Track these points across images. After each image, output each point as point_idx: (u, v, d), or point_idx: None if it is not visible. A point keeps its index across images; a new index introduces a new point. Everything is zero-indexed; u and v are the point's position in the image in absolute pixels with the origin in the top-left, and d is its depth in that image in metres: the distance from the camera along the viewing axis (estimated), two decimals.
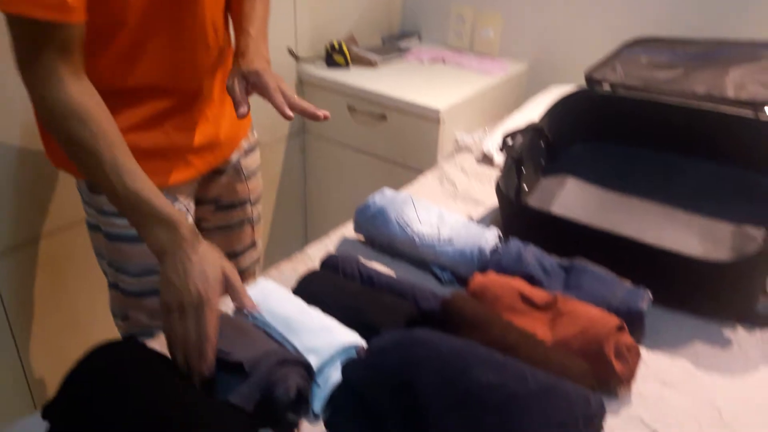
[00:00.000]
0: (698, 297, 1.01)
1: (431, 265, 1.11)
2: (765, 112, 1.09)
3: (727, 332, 0.99)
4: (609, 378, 0.85)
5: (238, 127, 1.19)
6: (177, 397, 0.74)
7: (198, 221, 1.22)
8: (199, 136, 1.08)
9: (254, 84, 0.97)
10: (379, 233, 1.15)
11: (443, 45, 2.14)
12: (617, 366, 0.84)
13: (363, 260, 1.13)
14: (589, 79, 1.31)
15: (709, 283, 0.98)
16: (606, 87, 1.28)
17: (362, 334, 0.85)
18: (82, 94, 0.82)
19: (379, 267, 1.12)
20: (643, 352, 0.93)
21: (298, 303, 0.90)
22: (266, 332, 0.86)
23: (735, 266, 0.94)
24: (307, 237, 2.25)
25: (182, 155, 1.07)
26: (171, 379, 0.77)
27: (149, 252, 0.84)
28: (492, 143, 1.52)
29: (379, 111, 1.79)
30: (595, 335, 0.85)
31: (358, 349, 0.82)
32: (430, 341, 0.75)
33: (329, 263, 1.03)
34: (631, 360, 0.86)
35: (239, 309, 0.87)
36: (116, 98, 0.92)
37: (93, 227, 1.09)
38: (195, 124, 1.07)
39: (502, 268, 1.02)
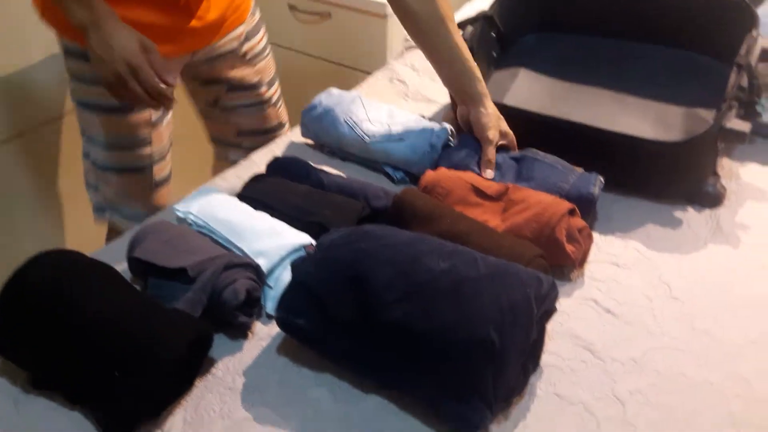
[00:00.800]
0: (649, 179, 1.01)
1: (383, 165, 1.08)
2: None
3: (678, 213, 0.99)
4: (561, 261, 0.85)
5: (231, 13, 1.15)
6: (123, 306, 0.71)
7: (216, 99, 1.23)
8: (178, 17, 1.05)
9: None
10: (328, 134, 1.11)
11: None
12: (569, 249, 0.84)
13: (311, 163, 1.10)
14: None
15: (660, 165, 0.98)
16: None
17: (312, 235, 0.83)
18: None
19: (329, 171, 1.08)
20: (596, 236, 0.94)
21: (244, 208, 0.86)
22: (212, 239, 0.83)
23: (684, 146, 0.94)
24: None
25: (162, 31, 1.03)
26: (116, 289, 0.73)
27: (113, 123, 0.98)
28: None
29: (323, 9, 1.69)
30: (547, 220, 0.85)
31: (306, 247, 0.79)
32: (380, 234, 0.73)
33: (275, 167, 0.99)
34: (584, 243, 0.86)
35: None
36: None
37: (72, 95, 1.09)
38: (181, 5, 1.05)
39: (454, 164, 0.99)
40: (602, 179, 0.94)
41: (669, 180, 1.00)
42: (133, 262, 0.81)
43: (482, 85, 1.00)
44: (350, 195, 0.92)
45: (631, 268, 0.89)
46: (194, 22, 1.07)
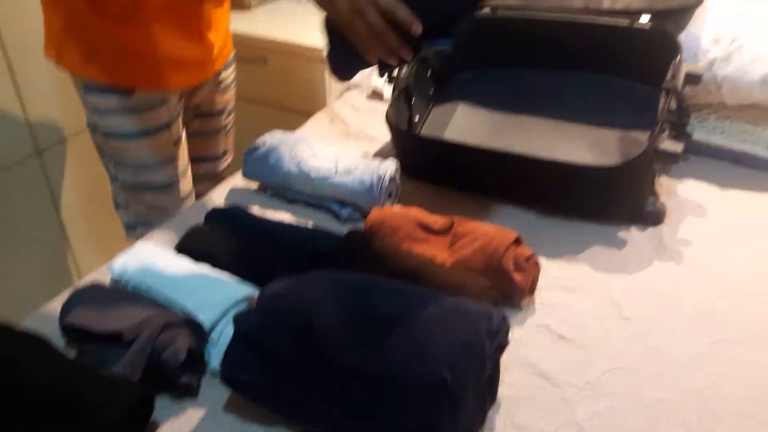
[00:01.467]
0: (592, 203, 1.02)
1: (329, 203, 1.06)
2: (640, 20, 1.10)
3: (622, 233, 1.01)
4: (511, 290, 0.85)
5: (225, 44, 1.23)
6: (59, 376, 0.66)
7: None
8: (201, 49, 1.14)
9: None
10: (272, 173, 1.09)
11: None
12: (517, 277, 0.84)
13: (256, 209, 1.07)
14: None
15: (601, 189, 1.00)
16: (486, 10, 1.26)
17: (257, 285, 0.80)
18: None
19: (274, 214, 1.06)
20: (544, 261, 0.94)
21: (183, 262, 0.83)
22: (150, 297, 0.79)
23: (622, 169, 0.96)
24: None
25: (184, 64, 1.11)
26: (52, 360, 0.69)
27: (141, 148, 1.05)
28: (380, 78, 1.47)
29: (259, 55, 1.69)
30: (493, 251, 0.84)
31: (249, 298, 0.77)
32: (328, 280, 0.71)
33: (214, 217, 0.96)
34: (531, 271, 0.86)
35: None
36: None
37: (92, 127, 1.13)
38: (201, 37, 1.13)
39: None
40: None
41: (611, 202, 1.01)
42: (67, 329, 0.77)
43: None
44: (295, 240, 0.90)
45: (581, 291, 0.89)
46: (213, 50, 1.15)
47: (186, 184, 1.20)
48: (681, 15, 1.12)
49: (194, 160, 1.31)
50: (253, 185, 1.14)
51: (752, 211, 1.06)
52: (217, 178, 1.36)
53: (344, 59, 0.95)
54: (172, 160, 1.14)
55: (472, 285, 0.79)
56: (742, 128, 1.16)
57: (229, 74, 1.29)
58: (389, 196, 1.06)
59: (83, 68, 1.06)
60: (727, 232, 1.01)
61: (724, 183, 1.13)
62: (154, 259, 0.83)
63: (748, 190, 1.11)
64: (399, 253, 0.85)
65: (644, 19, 1.11)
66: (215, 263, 0.83)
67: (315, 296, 0.70)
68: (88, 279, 0.91)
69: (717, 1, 1.19)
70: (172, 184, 1.16)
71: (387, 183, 1.04)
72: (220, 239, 0.89)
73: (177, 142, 1.16)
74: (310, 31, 1.70)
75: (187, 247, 0.88)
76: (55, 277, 1.65)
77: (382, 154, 1.24)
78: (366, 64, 0.93)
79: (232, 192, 1.14)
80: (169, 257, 0.84)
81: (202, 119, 1.28)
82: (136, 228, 1.20)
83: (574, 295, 0.88)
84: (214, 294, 0.78)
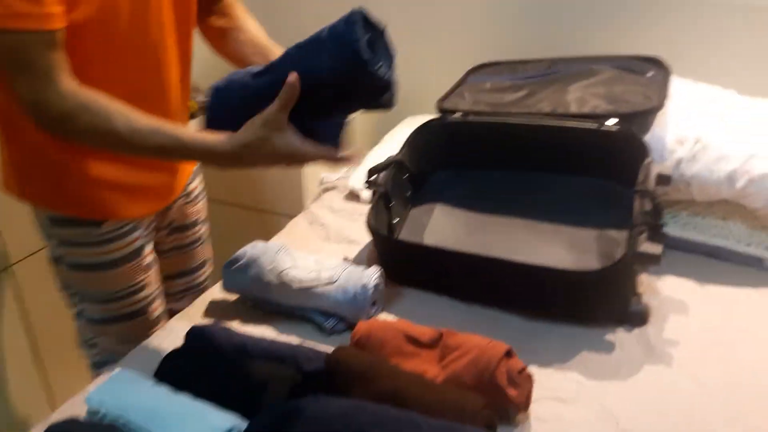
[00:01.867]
0: (577, 306, 1.02)
1: (313, 314, 1.04)
2: (606, 124, 1.15)
3: (609, 336, 1.00)
4: (505, 406, 0.83)
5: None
6: None
7: (155, 245, 1.21)
8: (170, 173, 1.12)
9: None
10: (253, 285, 1.07)
11: None
12: (511, 393, 0.82)
13: (237, 324, 1.05)
14: (441, 109, 1.33)
15: (584, 292, 1.00)
16: (458, 115, 1.30)
17: (242, 413, 0.76)
18: (77, 87, 0.85)
19: (256, 328, 1.03)
20: (536, 369, 0.92)
21: (162, 391, 0.79)
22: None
23: (603, 273, 0.96)
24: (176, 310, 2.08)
25: (153, 190, 1.09)
26: None
27: (112, 278, 1.03)
28: (357, 179, 1.49)
29: None
30: (486, 365, 0.83)
31: None
32: (315, 411, 0.68)
33: (194, 337, 0.92)
34: (525, 385, 0.84)
35: None
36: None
37: (56, 260, 1.09)
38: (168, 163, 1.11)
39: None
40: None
41: (595, 305, 1.02)
42: None
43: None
44: (279, 360, 0.87)
45: (575, 401, 0.87)
46: (174, 178, 1.13)
47: (155, 310, 1.15)
48: (644, 117, 1.17)
49: (174, 276, 1.27)
50: (233, 297, 1.12)
51: (731, 306, 1.08)
52: (199, 290, 1.31)
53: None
54: (144, 286, 1.10)
55: (467, 405, 0.77)
56: (714, 223, 1.19)
57: (197, 185, 1.26)
58: (374, 304, 1.05)
59: (49, 201, 1.02)
60: (711, 328, 1.02)
61: (702, 278, 1.14)
62: (132, 389, 0.79)
63: (725, 284, 1.13)
64: (389, 371, 0.83)
65: (611, 122, 1.16)
66: (196, 392, 0.79)
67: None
68: (63, 409, 0.86)
69: (677, 103, 1.25)
70: (143, 311, 1.11)
71: (371, 291, 1.02)
72: (201, 365, 0.85)
73: (148, 267, 1.12)
74: None
75: (166, 374, 0.84)
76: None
77: (363, 258, 1.23)
78: None
79: (212, 305, 1.11)
80: (147, 387, 0.80)
81: (176, 234, 1.24)
82: (105, 364, 1.12)
83: (569, 408, 0.86)
84: (195, 427, 0.74)
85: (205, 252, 1.34)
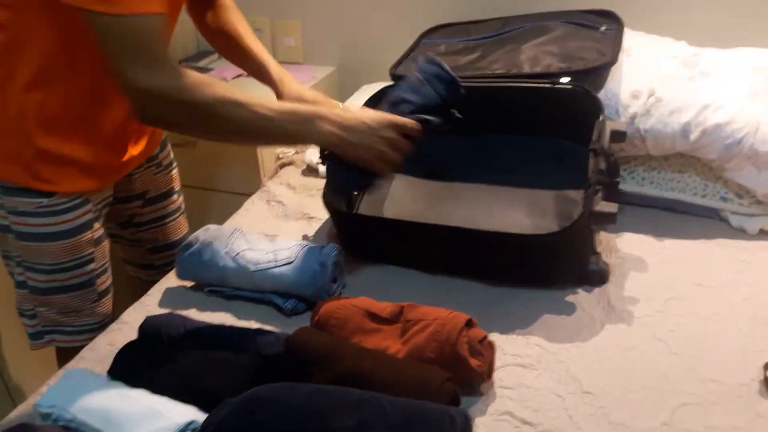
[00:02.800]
0: (536, 269, 1.02)
1: (271, 296, 1.02)
2: (560, 82, 1.13)
3: (570, 297, 1.01)
4: (469, 377, 0.82)
5: (151, 141, 1.20)
6: None
7: (131, 217, 1.23)
8: (120, 151, 1.11)
9: None
10: (208, 271, 1.04)
11: None
12: (474, 363, 0.81)
13: (194, 312, 1.02)
14: (394, 76, 1.29)
15: (543, 255, 1.00)
16: None
17: (201, 406, 0.74)
18: (184, 70, 0.88)
19: (214, 315, 1.01)
20: (498, 336, 0.92)
21: (117, 389, 0.77)
22: None
23: (560, 235, 0.96)
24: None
25: (105, 166, 1.08)
26: None
27: (59, 249, 1.03)
28: (313, 152, 1.45)
29: (188, 139, 1.65)
30: (446, 336, 0.82)
31: (192, 427, 0.71)
32: (277, 398, 0.67)
33: (149, 329, 0.90)
34: (487, 353, 0.84)
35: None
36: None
37: (2, 228, 1.07)
38: (127, 142, 1.11)
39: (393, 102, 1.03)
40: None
41: (554, 267, 1.02)
42: None
43: (276, 71, 1.18)
44: (237, 347, 0.85)
45: (538, 367, 0.88)
46: (122, 159, 1.11)
47: (102, 283, 1.13)
48: (598, 74, 1.16)
49: (159, 249, 1.28)
50: (189, 284, 1.09)
51: (689, 259, 1.09)
52: None
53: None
54: (91, 260, 1.09)
55: (430, 379, 0.76)
56: (670, 177, 1.19)
57: (165, 155, 1.26)
58: (334, 281, 1.03)
59: (2, 170, 1.01)
60: (669, 283, 1.03)
61: (659, 232, 1.15)
62: (85, 389, 0.77)
63: (682, 237, 1.14)
64: (350, 350, 0.82)
65: (564, 79, 1.14)
66: (153, 387, 0.77)
67: (266, 422, 0.65)
68: (15, 415, 0.84)
69: (630, 57, 1.24)
70: (89, 284, 1.11)
71: (331, 269, 1.01)
72: (156, 358, 0.83)
73: (98, 241, 1.11)
74: None
75: (121, 370, 0.82)
76: None
77: (323, 235, 1.21)
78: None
79: (168, 294, 1.08)
80: (101, 386, 0.78)
81: (154, 205, 1.25)
82: (44, 336, 1.13)
83: (532, 373, 0.86)
84: (153, 424, 0.72)
85: (186, 224, 1.34)
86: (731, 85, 1.15)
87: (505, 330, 0.94)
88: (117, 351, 0.87)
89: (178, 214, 1.30)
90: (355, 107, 1.28)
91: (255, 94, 0.92)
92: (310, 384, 0.72)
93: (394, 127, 0.98)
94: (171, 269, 1.23)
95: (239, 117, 0.90)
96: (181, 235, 1.32)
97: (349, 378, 0.76)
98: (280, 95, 1.16)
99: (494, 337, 0.92)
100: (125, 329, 0.99)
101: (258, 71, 1.20)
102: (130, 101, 0.87)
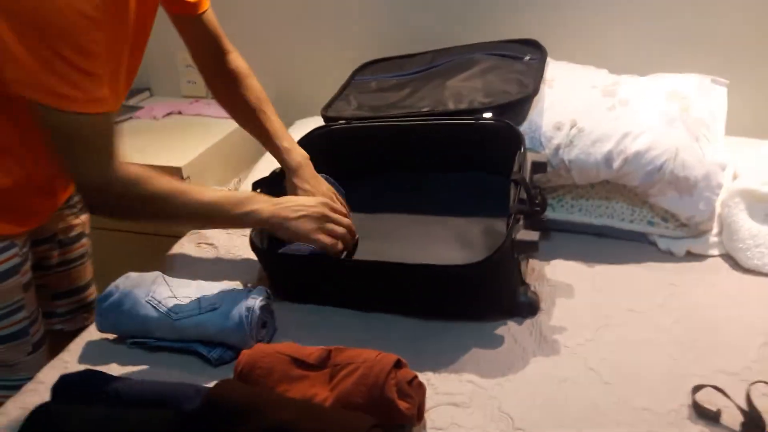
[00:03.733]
0: (465, 301, 1.01)
1: (195, 346, 0.98)
2: (483, 117, 1.14)
3: (501, 329, 1.00)
4: (400, 419, 0.80)
5: None
6: None
7: (40, 260, 1.18)
8: (49, 197, 1.10)
9: None
10: (130, 321, 1.00)
11: (178, 96, 2.00)
12: (403, 406, 0.79)
13: (116, 366, 0.97)
14: (326, 117, 1.29)
15: (471, 286, 0.99)
16: (341, 122, 1.27)
17: None
18: (129, 165, 0.93)
19: (137, 369, 0.96)
20: (430, 375, 0.91)
21: None
22: None
23: (485, 265, 0.94)
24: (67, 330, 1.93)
25: (31, 209, 1.06)
26: None
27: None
28: (247, 191, 1.43)
29: None
30: (374, 380, 0.80)
31: None
32: None
33: (63, 389, 0.84)
34: (416, 394, 0.81)
35: None
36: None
37: None
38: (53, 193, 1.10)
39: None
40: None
41: (483, 299, 1.01)
42: None
43: (293, 156, 1.16)
44: (157, 402, 0.81)
45: (470, 404, 0.86)
46: (55, 199, 1.11)
47: (35, 332, 1.08)
48: (520, 106, 1.18)
49: (63, 294, 1.23)
50: (111, 337, 1.04)
51: (619, 284, 1.10)
52: (89, 309, 1.27)
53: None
54: (21, 307, 1.04)
55: (357, 428, 0.74)
56: (598, 204, 1.22)
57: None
58: (263, 326, 1.00)
59: None
60: (600, 310, 1.04)
61: (590, 259, 1.16)
62: None
63: (612, 262, 1.16)
64: (272, 402, 0.78)
65: (488, 114, 1.15)
66: None
67: None
68: None
69: (553, 88, 1.26)
70: (22, 333, 1.05)
71: (258, 314, 0.97)
72: (69, 421, 0.78)
73: (27, 287, 1.05)
74: (166, 149, 1.64)
75: None
76: None
77: (255, 277, 1.18)
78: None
79: (88, 348, 1.02)
80: None
81: (63, 248, 1.20)
82: None
83: (464, 411, 0.85)
84: None
85: (91, 269, 1.30)
86: (648, 112, 1.19)
87: (437, 367, 0.93)
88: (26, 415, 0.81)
89: (85, 258, 1.27)
90: None
91: (189, 185, 0.99)
92: None
93: (325, 204, 1.06)
94: (72, 317, 1.20)
95: (183, 206, 0.96)
96: (86, 281, 1.28)
97: (273, 430, 0.73)
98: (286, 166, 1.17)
99: (427, 375, 0.91)
100: (41, 389, 0.93)
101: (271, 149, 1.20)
102: (79, 193, 0.90)
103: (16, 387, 1.04)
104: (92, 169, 0.89)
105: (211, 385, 0.83)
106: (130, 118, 1.85)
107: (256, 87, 1.20)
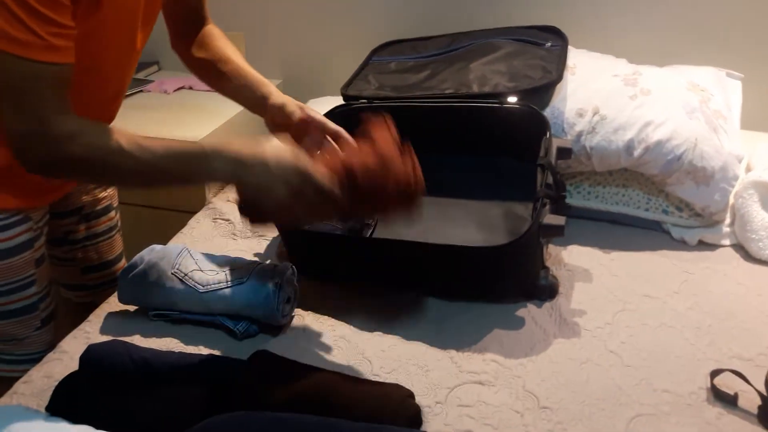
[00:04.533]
0: (487, 283, 1.03)
1: (221, 319, 0.98)
2: (508, 101, 1.15)
3: (521, 311, 1.01)
4: None
5: None
6: None
7: (66, 234, 1.16)
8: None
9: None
10: (154, 294, 0.99)
11: (187, 71, 1.98)
12: None
13: (138, 338, 0.97)
14: (346, 96, 1.29)
15: (494, 269, 1.00)
16: (362, 101, 1.27)
17: None
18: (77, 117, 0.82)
19: (160, 341, 0.96)
20: (455, 354, 0.92)
21: (58, 427, 0.72)
22: None
23: (510, 247, 0.96)
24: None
25: (43, 183, 1.00)
26: None
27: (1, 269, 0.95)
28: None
29: None
30: None
31: None
32: (229, 431, 0.63)
33: (91, 359, 0.84)
34: None
35: None
36: None
37: None
38: None
39: None
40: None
41: (505, 281, 1.02)
42: None
43: (267, 88, 1.06)
44: (187, 377, 0.81)
45: (495, 383, 0.88)
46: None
47: (46, 307, 1.08)
48: (544, 92, 1.19)
49: (94, 267, 1.22)
50: (133, 308, 1.04)
51: (635, 271, 1.12)
52: None
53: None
54: (33, 282, 1.03)
55: (391, 395, 0.75)
56: (614, 191, 1.23)
57: None
58: (288, 301, 1.00)
59: None
60: (617, 295, 1.05)
61: (606, 245, 1.18)
62: (21, 428, 0.71)
63: (627, 249, 1.17)
64: (310, 371, 0.79)
65: (512, 99, 1.16)
66: (98, 424, 0.72)
67: None
68: None
69: (575, 75, 1.27)
70: (32, 308, 1.04)
71: (285, 289, 0.98)
72: (100, 392, 0.78)
73: (39, 262, 1.04)
74: (180, 123, 1.63)
75: (61, 406, 0.76)
76: None
77: (273, 253, 1.18)
78: None
79: (109, 320, 1.02)
80: (39, 424, 0.72)
81: (90, 222, 1.19)
82: None
83: (490, 390, 0.86)
84: None
85: (121, 242, 1.28)
86: (669, 102, 1.20)
87: (460, 346, 0.94)
88: (56, 384, 0.81)
89: (114, 232, 1.25)
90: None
91: (142, 134, 0.84)
92: (266, 413, 0.70)
93: (303, 178, 0.81)
94: (103, 290, 1.18)
95: (121, 166, 0.82)
96: (115, 254, 1.26)
97: (310, 396, 0.74)
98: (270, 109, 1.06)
99: (450, 353, 0.92)
100: (65, 359, 0.93)
101: (250, 97, 1.08)
102: (9, 143, 0.81)
103: (22, 361, 1.04)
104: (21, 118, 0.79)
105: (238, 357, 0.84)
106: (141, 91, 1.83)
107: (230, 45, 1.11)
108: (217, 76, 1.09)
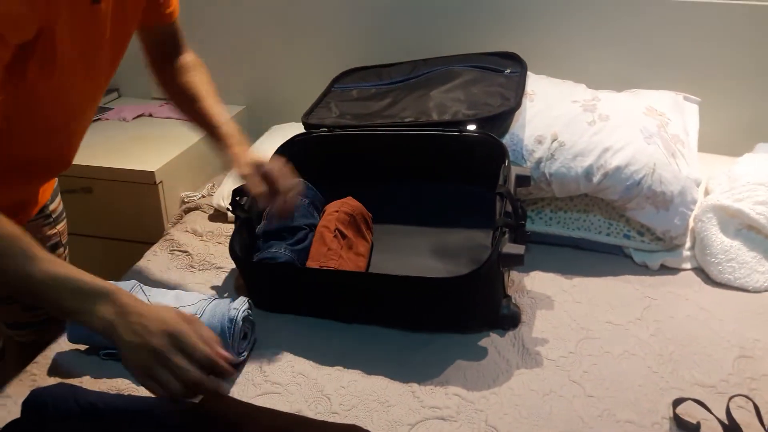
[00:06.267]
0: (450, 314, 1.01)
1: None
2: (467, 129, 1.15)
3: (484, 341, 1.00)
4: None
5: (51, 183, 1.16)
6: None
7: None
8: (27, 193, 1.06)
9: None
10: None
11: (147, 98, 1.95)
12: None
13: (88, 380, 0.93)
14: (306, 124, 1.27)
15: (455, 299, 0.99)
16: (323, 130, 1.25)
17: None
18: None
19: (111, 382, 0.92)
20: (417, 388, 0.90)
21: None
22: None
23: (470, 277, 0.94)
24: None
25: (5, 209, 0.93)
26: None
27: None
28: (222, 196, 1.40)
29: (82, 184, 1.55)
30: None
31: None
32: None
33: (34, 405, 0.80)
34: None
35: None
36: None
37: None
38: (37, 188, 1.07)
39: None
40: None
41: (467, 311, 1.01)
42: None
43: (224, 130, 1.07)
44: (136, 423, 0.77)
45: (457, 418, 0.85)
46: (33, 198, 1.07)
47: None
48: (503, 119, 1.19)
49: (35, 306, 1.16)
50: (82, 347, 1.00)
51: (598, 297, 1.11)
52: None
53: None
54: None
55: None
56: (576, 217, 1.23)
57: (56, 205, 1.18)
58: (244, 337, 0.97)
59: None
60: (580, 322, 1.05)
61: (567, 271, 1.18)
62: None
63: (590, 275, 1.17)
64: (267, 413, 0.76)
65: (471, 126, 1.16)
66: None
67: None
68: None
69: (534, 102, 1.27)
70: None
71: (240, 325, 0.95)
72: None
73: None
74: (137, 153, 1.59)
75: None
76: None
77: (230, 286, 1.15)
78: None
79: (58, 361, 0.98)
80: None
81: None
82: None
83: (452, 426, 0.84)
84: None
85: None
86: (628, 127, 1.21)
87: (422, 379, 0.92)
88: None
89: None
90: (264, 151, 1.25)
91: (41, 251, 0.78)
92: None
93: (177, 341, 0.75)
94: (48, 327, 1.13)
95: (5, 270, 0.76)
96: None
97: None
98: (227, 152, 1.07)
99: (413, 387, 0.90)
100: (8, 404, 0.89)
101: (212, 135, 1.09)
102: None
103: None
104: None
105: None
106: (99, 119, 1.79)
107: (204, 77, 1.14)
108: (186, 111, 1.13)
